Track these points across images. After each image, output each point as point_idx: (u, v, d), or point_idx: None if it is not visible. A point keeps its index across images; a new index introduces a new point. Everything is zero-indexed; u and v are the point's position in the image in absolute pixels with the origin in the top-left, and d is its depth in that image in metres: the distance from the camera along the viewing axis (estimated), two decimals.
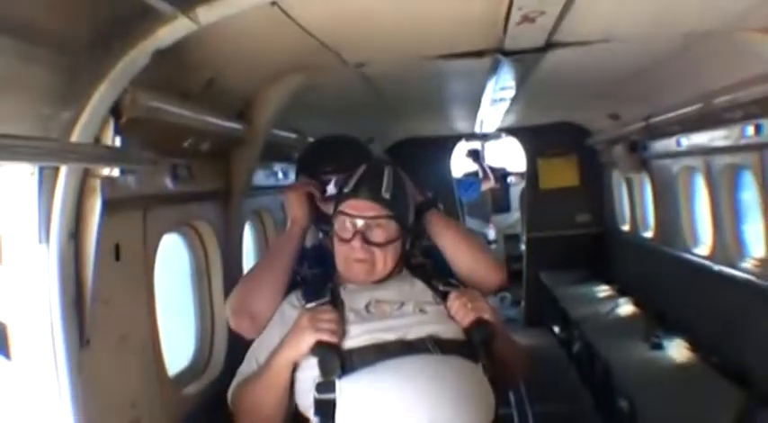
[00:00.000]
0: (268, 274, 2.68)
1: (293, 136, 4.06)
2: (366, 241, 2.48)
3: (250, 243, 4.06)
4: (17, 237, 1.91)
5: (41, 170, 1.87)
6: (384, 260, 2.52)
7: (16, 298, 1.96)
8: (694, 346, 5.25)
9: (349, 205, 2.51)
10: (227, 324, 3.00)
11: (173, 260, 3.19)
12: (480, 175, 10.25)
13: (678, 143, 5.18)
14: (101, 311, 2.16)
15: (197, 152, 2.92)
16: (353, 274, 2.54)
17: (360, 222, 2.49)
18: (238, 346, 2.77)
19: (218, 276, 3.32)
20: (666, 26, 2.93)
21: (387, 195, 2.50)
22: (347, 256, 2.52)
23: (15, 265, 1.93)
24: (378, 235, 2.50)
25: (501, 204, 11.66)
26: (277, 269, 2.69)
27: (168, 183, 2.72)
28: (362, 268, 2.51)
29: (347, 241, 2.50)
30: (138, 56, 1.95)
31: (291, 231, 2.76)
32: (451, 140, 9.08)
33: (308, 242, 2.89)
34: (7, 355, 2.00)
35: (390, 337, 2.33)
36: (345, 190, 2.53)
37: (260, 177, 3.83)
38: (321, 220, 2.82)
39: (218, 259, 3.31)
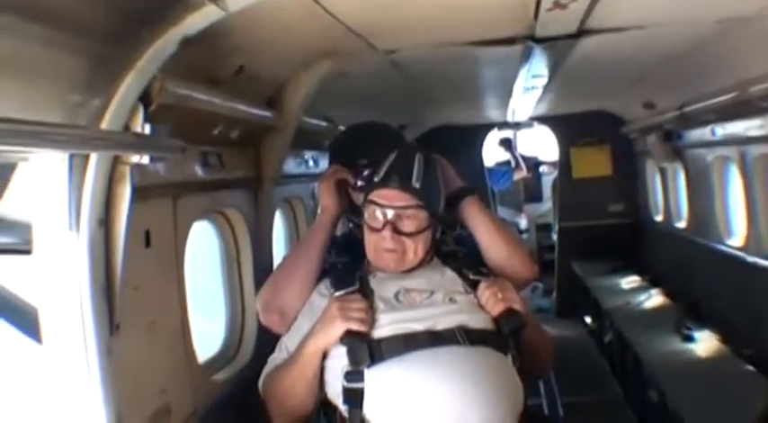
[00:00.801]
0: (298, 269, 2.69)
1: (323, 124, 4.06)
2: (396, 231, 2.47)
3: (281, 231, 4.07)
4: (48, 224, 1.93)
5: (72, 157, 1.88)
6: (414, 249, 2.51)
7: (47, 284, 1.98)
8: (726, 337, 5.18)
9: (379, 195, 2.50)
10: (257, 312, 3.02)
11: (204, 247, 3.21)
12: (512, 164, 10.19)
13: (713, 132, 5.10)
14: (131, 298, 2.17)
15: (227, 140, 2.93)
16: (383, 263, 2.53)
17: (390, 212, 2.47)
18: (268, 334, 2.79)
19: (249, 264, 3.33)
20: (702, 11, 2.88)
21: (417, 185, 2.48)
22: (377, 246, 2.51)
23: (46, 251, 1.95)
24: (408, 225, 2.49)
25: (533, 194, 11.59)
26: (307, 262, 2.69)
27: (198, 170, 2.73)
28: (393, 258, 2.50)
29: (377, 231, 2.49)
30: (166, 43, 1.95)
31: (322, 220, 2.76)
32: (483, 129, 9.03)
33: (338, 230, 2.88)
34: (38, 340, 2.02)
35: (419, 327, 2.33)
36: (375, 179, 2.52)
37: (290, 165, 3.84)
38: (352, 210, 2.82)
39: (249, 247, 3.32)
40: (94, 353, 1.99)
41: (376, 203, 2.49)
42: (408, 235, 2.48)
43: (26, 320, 2.22)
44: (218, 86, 2.60)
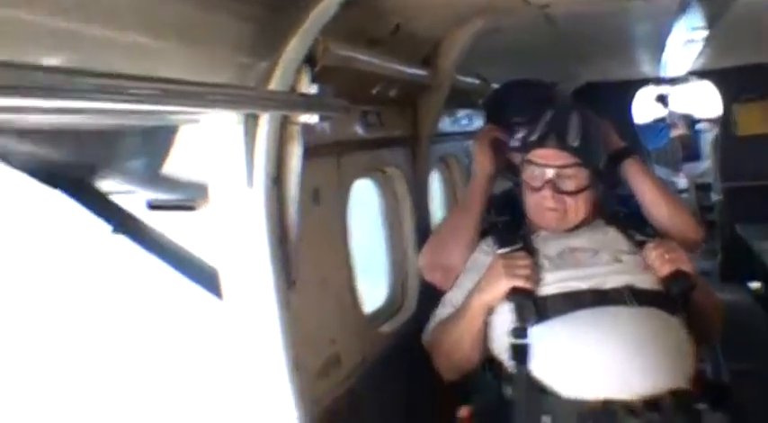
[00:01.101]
0: (459, 228, 2.72)
1: (476, 82, 4.06)
2: (557, 190, 2.45)
3: (437, 189, 4.12)
4: (224, 182, 2.04)
5: (246, 119, 1.97)
6: (576, 208, 2.49)
7: (226, 241, 2.09)
8: None
9: (536, 154, 2.49)
10: (419, 267, 3.08)
11: (365, 204, 3.30)
12: (668, 121, 9.81)
13: None
14: (303, 253, 2.25)
15: (385, 99, 2.98)
16: (545, 222, 2.52)
17: (549, 172, 2.46)
18: (430, 289, 2.84)
19: (409, 219, 3.39)
20: None
21: (575, 143, 2.45)
22: (538, 205, 2.51)
23: (224, 209, 2.06)
24: (568, 184, 2.46)
25: (691, 152, 11.12)
26: (467, 221, 2.72)
27: (359, 129, 2.81)
28: (554, 216, 2.49)
29: (537, 190, 2.48)
30: (328, 6, 2.01)
31: (478, 180, 2.78)
32: (635, 85, 8.71)
33: (496, 189, 2.89)
34: (219, 296, 2.14)
35: (584, 285, 2.32)
36: (532, 138, 2.51)
37: (445, 124, 3.87)
38: (509, 169, 2.81)
39: (408, 203, 3.38)
40: (274, 307, 2.09)
41: (534, 163, 2.48)
42: (569, 194, 2.46)
43: (205, 278, 2.35)
44: (376, 46, 2.65)
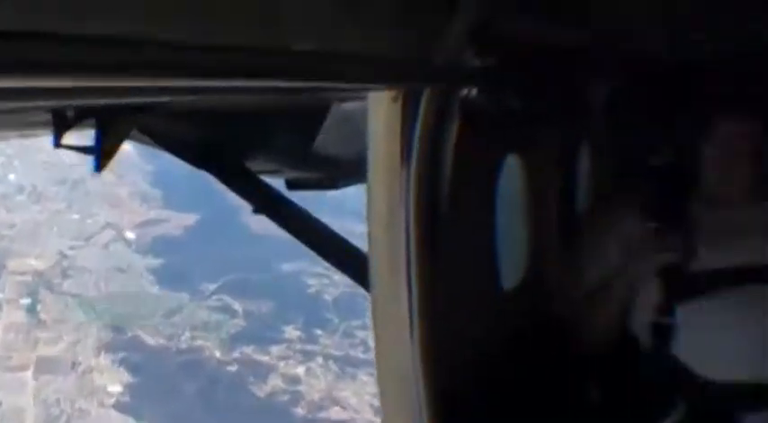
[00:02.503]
0: None
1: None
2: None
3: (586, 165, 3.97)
4: (382, 160, 1.96)
5: (405, 94, 1.87)
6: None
7: (379, 220, 2.03)
8: None
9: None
10: None
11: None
12: None
13: None
14: (452, 232, 2.17)
15: (544, 74, 2.83)
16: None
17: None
18: None
19: (554, 197, 3.25)
20: None
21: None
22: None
23: (379, 188, 2.01)
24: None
25: None
26: None
27: (516, 104, 2.64)
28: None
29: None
30: None
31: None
32: None
33: None
34: (365, 282, 2.07)
35: (744, 260, 2.23)
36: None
37: None
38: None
39: (555, 180, 3.24)
40: (419, 285, 2.00)
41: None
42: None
43: (352, 263, 2.28)
44: (540, 20, 2.50)
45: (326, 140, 2.11)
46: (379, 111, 1.90)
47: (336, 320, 33.17)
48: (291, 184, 2.32)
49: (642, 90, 2.81)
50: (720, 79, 2.42)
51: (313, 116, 2.01)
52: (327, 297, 33.66)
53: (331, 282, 31.75)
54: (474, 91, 2.00)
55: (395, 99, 1.86)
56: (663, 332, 2.18)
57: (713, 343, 2.12)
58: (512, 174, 3.22)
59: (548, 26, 2.57)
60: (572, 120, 3.22)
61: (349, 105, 2.04)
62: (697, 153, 2.39)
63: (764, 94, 2.29)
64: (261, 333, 32.44)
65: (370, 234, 2.05)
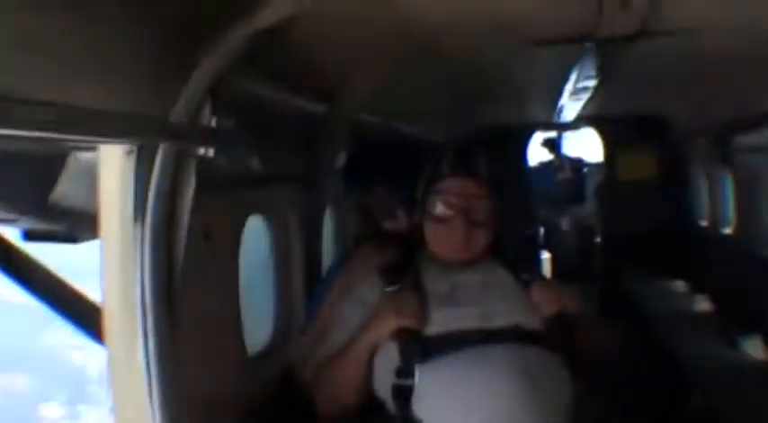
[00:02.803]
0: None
1: (378, 120, 4.07)
2: (468, 220, 2.45)
3: (330, 229, 4.09)
4: (113, 215, 1.96)
5: (139, 150, 1.90)
6: (482, 239, 2.48)
7: (111, 276, 2.00)
8: None
9: (448, 184, 2.47)
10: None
11: (255, 242, 3.23)
12: (556, 164, 10.13)
13: (764, 137, 5.03)
14: (190, 290, 2.18)
15: (284, 135, 2.94)
16: (451, 251, 2.49)
17: (461, 201, 2.45)
18: None
19: (299, 258, 3.34)
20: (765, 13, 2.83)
21: (485, 174, 2.48)
22: (445, 237, 2.48)
23: (111, 243, 1.98)
24: (478, 214, 2.45)
25: (576, 195, 11.47)
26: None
27: (256, 165, 2.75)
28: (461, 247, 2.47)
29: (447, 221, 2.46)
30: (236, 38, 1.96)
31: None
32: (529, 129, 8.98)
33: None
34: (98, 335, 2.04)
35: (472, 324, 2.31)
36: (444, 169, 2.49)
37: (343, 161, 3.83)
38: (382, 238, 2.82)
39: (299, 241, 3.34)
40: (154, 346, 2.01)
41: (446, 193, 2.46)
42: (479, 224, 2.46)
43: (86, 316, 2.24)
44: (279, 81, 2.61)
45: (66, 191, 2.08)
46: (112, 164, 1.90)
47: (102, 395, 31.22)
48: (29, 236, 2.24)
49: (376, 156, 2.98)
50: (441, 153, 2.59)
51: (52, 165, 1.99)
52: (92, 371, 31.67)
53: (95, 354, 29.90)
54: (210, 150, 2.04)
55: (128, 153, 1.88)
56: (403, 393, 2.23)
57: (445, 401, 2.23)
58: (258, 233, 3.31)
59: (288, 92, 2.72)
60: (313, 182, 3.38)
61: (89, 156, 2.03)
62: (422, 218, 2.53)
63: (473, 164, 2.51)
64: (19, 412, 29.85)
65: (104, 290, 2.03)
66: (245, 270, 2.86)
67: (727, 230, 6.68)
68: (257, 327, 3.23)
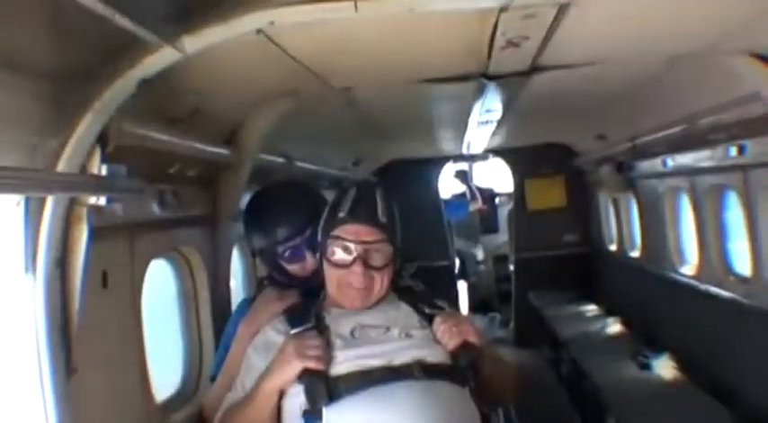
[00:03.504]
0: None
1: (280, 160, 4.07)
2: (366, 266, 2.46)
3: (238, 267, 4.05)
4: (3, 266, 1.91)
5: (28, 200, 1.87)
6: (381, 284, 2.50)
7: (3, 327, 1.95)
8: (682, 365, 5.26)
9: (346, 230, 2.47)
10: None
11: (161, 285, 3.19)
12: (468, 195, 10.28)
13: (664, 163, 5.22)
14: (88, 339, 2.15)
15: (184, 178, 2.92)
16: (349, 299, 2.50)
17: (359, 247, 2.46)
18: None
19: (206, 300, 3.31)
20: (650, 49, 2.96)
21: (383, 218, 2.49)
22: (343, 282, 2.49)
23: (2, 294, 1.92)
24: (377, 259, 2.47)
25: (489, 225, 11.65)
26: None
27: (155, 209, 2.72)
28: (360, 293, 2.49)
29: (345, 267, 2.47)
30: (124, 85, 1.96)
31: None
32: (439, 162, 9.10)
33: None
34: None
35: (376, 362, 2.32)
36: (341, 214, 2.50)
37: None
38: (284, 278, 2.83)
39: (206, 283, 3.30)
40: (51, 396, 1.96)
41: (343, 239, 2.47)
42: (378, 269, 2.48)
43: None
44: (174, 126, 2.60)
45: None
46: (2, 215, 1.85)
47: None
48: None
49: (278, 199, 2.97)
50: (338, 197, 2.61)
51: None
52: None
53: None
54: (102, 199, 2.01)
55: (18, 204, 1.84)
56: None
57: None
58: (168, 277, 3.27)
59: (187, 136, 2.70)
60: (216, 223, 3.35)
61: None
62: (321, 262, 2.55)
63: (370, 208, 2.53)
64: None
65: None
66: (157, 313, 2.82)
67: (635, 254, 6.87)
68: (169, 372, 3.18)
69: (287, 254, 2.79)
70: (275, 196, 2.91)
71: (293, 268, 2.81)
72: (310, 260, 2.77)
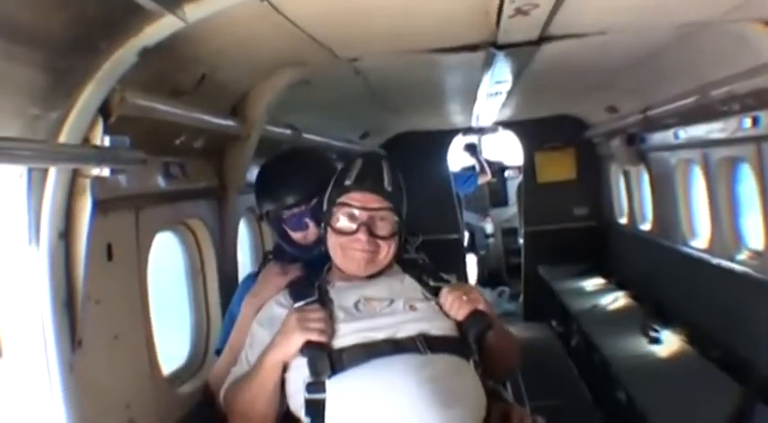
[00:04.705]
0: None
1: (287, 132, 4.04)
2: (371, 234, 2.46)
3: (245, 240, 4.04)
4: (7, 238, 1.89)
5: (30, 171, 1.85)
6: (387, 252, 2.50)
7: (7, 300, 1.94)
8: (692, 339, 5.24)
9: (351, 197, 2.47)
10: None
11: (168, 258, 3.18)
12: (477, 168, 10.23)
13: (676, 135, 5.16)
14: (93, 312, 2.14)
15: (190, 150, 2.90)
16: (354, 266, 2.50)
17: (364, 214, 2.46)
18: None
19: (213, 274, 3.30)
20: (662, 17, 2.91)
21: (389, 188, 2.48)
22: (348, 249, 2.49)
23: (6, 266, 1.91)
24: (381, 227, 2.47)
25: (498, 198, 11.63)
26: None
27: (160, 181, 2.70)
28: (365, 259, 2.48)
29: (349, 234, 2.47)
30: (125, 54, 1.93)
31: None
32: (448, 135, 9.04)
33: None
34: None
35: (380, 335, 2.31)
36: (347, 182, 2.50)
37: (254, 174, 3.78)
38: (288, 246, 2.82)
39: (213, 257, 3.29)
40: (56, 369, 1.96)
41: (349, 205, 2.47)
42: (382, 238, 2.47)
43: None
44: (179, 96, 2.57)
45: None
46: (5, 187, 1.84)
47: None
48: None
49: (287, 168, 2.96)
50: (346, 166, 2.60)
51: None
52: None
53: None
54: (105, 170, 1.99)
55: (20, 176, 1.83)
56: (316, 408, 2.20)
57: (356, 414, 2.22)
58: (176, 248, 3.26)
59: (192, 107, 2.67)
60: (224, 195, 3.33)
61: None
62: (326, 230, 2.53)
63: (377, 177, 2.52)
64: None
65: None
66: (165, 287, 2.81)
67: (646, 227, 6.83)
68: (178, 345, 3.18)
69: (292, 220, 2.79)
70: (289, 162, 2.92)
71: (296, 236, 2.81)
72: (313, 230, 2.77)
